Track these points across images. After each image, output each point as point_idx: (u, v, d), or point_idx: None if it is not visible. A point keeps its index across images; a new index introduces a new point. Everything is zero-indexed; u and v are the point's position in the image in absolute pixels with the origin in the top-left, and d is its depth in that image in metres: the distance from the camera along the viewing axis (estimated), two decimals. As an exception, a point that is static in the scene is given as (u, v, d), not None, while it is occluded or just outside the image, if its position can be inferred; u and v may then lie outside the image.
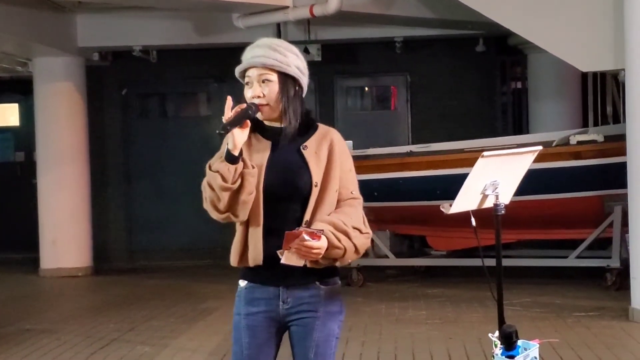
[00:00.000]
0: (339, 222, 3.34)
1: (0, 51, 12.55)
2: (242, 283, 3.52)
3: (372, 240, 11.52)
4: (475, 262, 10.73)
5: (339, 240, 3.31)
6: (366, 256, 11.52)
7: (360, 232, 3.40)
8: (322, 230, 3.26)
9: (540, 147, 4.59)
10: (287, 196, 3.38)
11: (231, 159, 3.28)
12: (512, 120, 14.86)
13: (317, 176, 3.38)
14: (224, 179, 3.26)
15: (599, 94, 13.44)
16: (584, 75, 13.22)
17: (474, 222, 4.34)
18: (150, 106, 15.49)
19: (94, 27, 13.18)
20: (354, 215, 3.41)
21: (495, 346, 4.27)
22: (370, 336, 8.11)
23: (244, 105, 3.34)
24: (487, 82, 14.64)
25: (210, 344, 7.89)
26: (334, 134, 3.49)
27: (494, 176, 4.32)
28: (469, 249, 11.15)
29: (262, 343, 3.47)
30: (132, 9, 12.70)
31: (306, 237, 3.19)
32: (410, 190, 10.91)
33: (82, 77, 13.57)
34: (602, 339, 7.68)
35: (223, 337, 7.94)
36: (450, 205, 4.33)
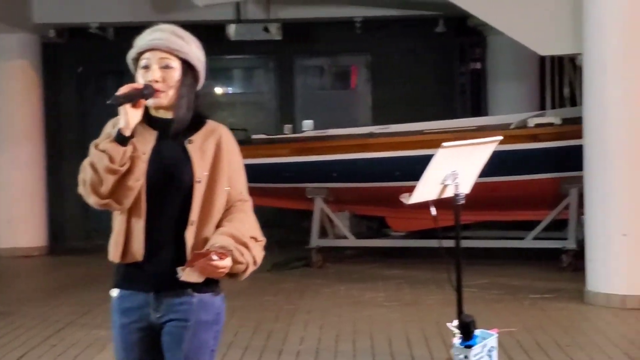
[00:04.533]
0: (238, 233, 3.16)
1: (-46, 28, 12.36)
2: (114, 293, 3.28)
3: (331, 221, 11.55)
4: (435, 243, 10.78)
5: (242, 255, 3.14)
6: (326, 236, 11.55)
7: (256, 240, 3.24)
8: (230, 250, 3.11)
9: (500, 138, 4.59)
10: (168, 190, 3.18)
11: (122, 139, 3.07)
12: (471, 102, 14.90)
13: (199, 172, 3.17)
14: (111, 160, 3.05)
15: (557, 76, 13.53)
16: (542, 58, 13.27)
17: (434, 212, 4.34)
18: (107, 84, 15.29)
19: (50, 4, 13.01)
20: (248, 222, 3.24)
21: (454, 335, 4.29)
22: (329, 319, 8.11)
23: (141, 85, 3.13)
24: (446, 63, 14.67)
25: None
26: (223, 130, 3.28)
27: (454, 166, 4.32)
28: (428, 229, 11.20)
29: (138, 357, 3.27)
30: (89, -14, 12.57)
31: (214, 257, 3.03)
32: (370, 171, 10.92)
33: (38, 54, 13.40)
34: (558, 321, 7.75)
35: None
36: (410, 195, 4.33)
